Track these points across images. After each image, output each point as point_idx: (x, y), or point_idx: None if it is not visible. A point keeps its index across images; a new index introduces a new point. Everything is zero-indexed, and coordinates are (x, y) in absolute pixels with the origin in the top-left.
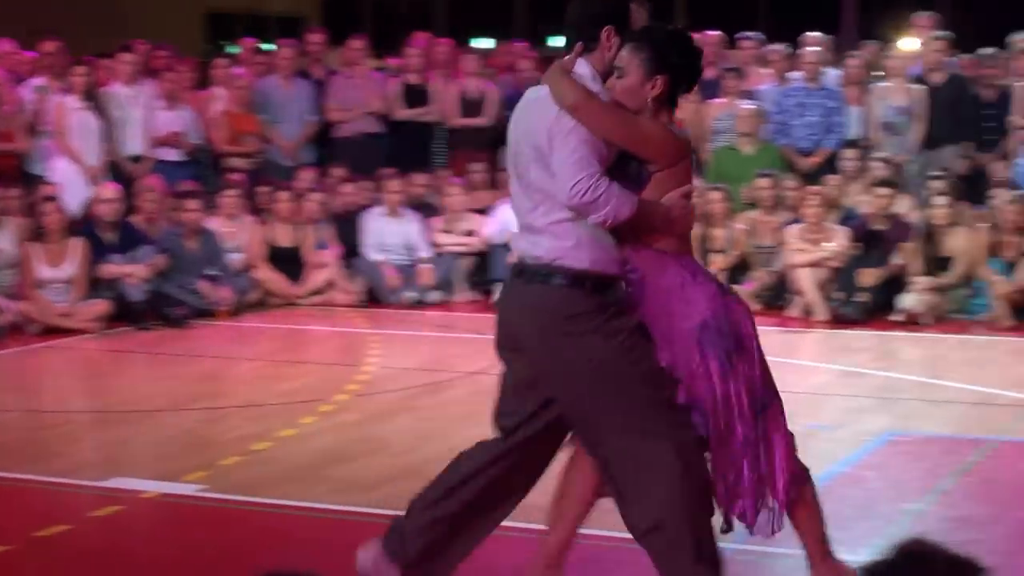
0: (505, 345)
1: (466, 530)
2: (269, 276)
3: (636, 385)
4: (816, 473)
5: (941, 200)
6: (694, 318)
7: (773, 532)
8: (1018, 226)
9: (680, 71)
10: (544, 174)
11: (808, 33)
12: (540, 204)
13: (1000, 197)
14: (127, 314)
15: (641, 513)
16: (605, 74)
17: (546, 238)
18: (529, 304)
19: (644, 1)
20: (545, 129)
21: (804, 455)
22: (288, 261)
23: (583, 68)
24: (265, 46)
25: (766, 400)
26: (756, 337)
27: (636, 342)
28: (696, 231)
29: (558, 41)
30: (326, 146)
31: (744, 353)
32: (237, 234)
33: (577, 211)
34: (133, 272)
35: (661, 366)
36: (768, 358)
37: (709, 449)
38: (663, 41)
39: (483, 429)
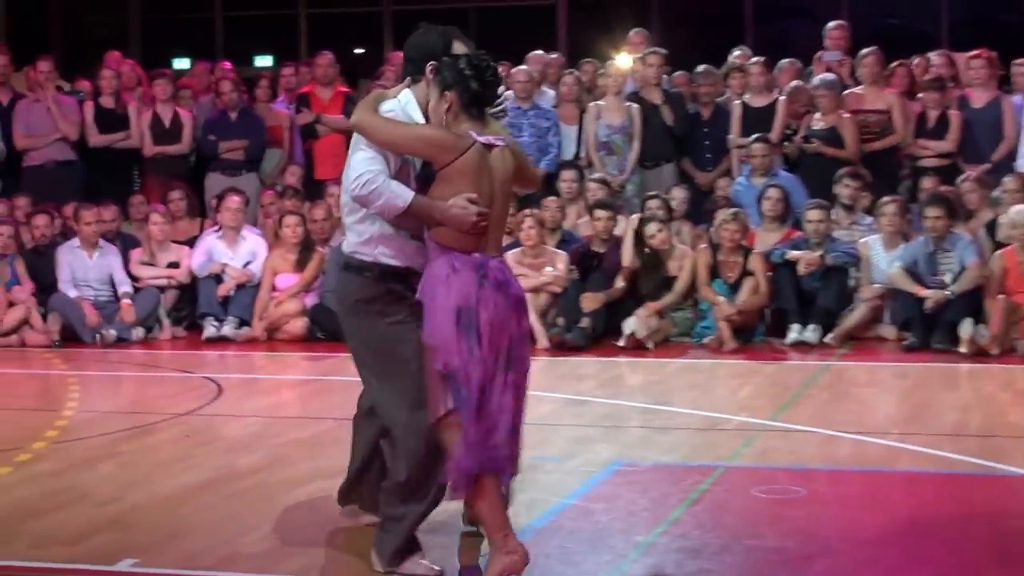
0: None
1: None
2: None
3: (399, 362)
4: (544, 507)
5: (659, 228)
6: (452, 302)
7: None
8: (736, 244)
9: (460, 87)
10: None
11: (535, 52)
12: (346, 207)
13: (719, 216)
14: None
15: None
16: (426, 102)
17: (350, 234)
18: (337, 288)
19: (466, 40)
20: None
21: (531, 488)
22: None
23: (407, 96)
24: None
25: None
26: (501, 332)
27: (409, 324)
28: None
29: (264, 61)
30: (14, 176)
31: (479, 342)
32: None
33: (360, 203)
34: None
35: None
36: None
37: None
38: (445, 65)
39: (193, 474)
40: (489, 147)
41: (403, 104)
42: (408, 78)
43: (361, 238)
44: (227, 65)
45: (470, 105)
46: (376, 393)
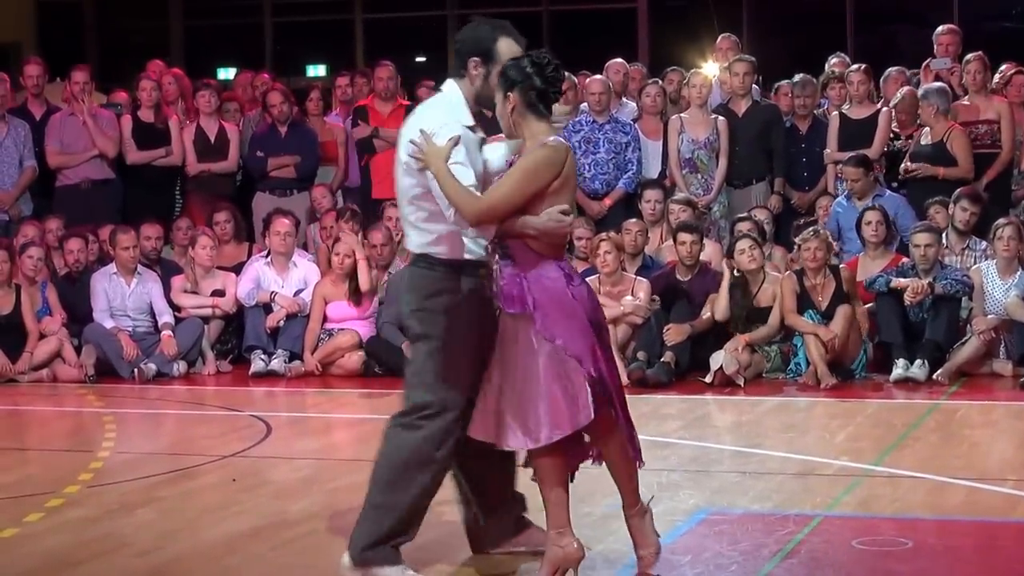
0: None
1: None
2: None
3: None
4: (624, 560)
5: (750, 245)
6: (583, 313)
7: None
8: (821, 264)
9: (524, 86)
10: (414, 181)
11: (614, 60)
12: (410, 206)
13: (799, 236)
14: None
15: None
16: (472, 98)
17: (416, 234)
18: (406, 286)
19: (518, 37)
20: None
21: (609, 539)
22: (5, 331)
23: (454, 92)
24: None
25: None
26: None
27: (463, 321)
28: None
29: (317, 70)
30: (47, 196)
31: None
32: None
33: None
34: None
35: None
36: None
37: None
38: (509, 66)
39: (240, 522)
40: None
41: (451, 101)
42: (456, 73)
43: (431, 236)
44: (265, 77)
45: (536, 103)
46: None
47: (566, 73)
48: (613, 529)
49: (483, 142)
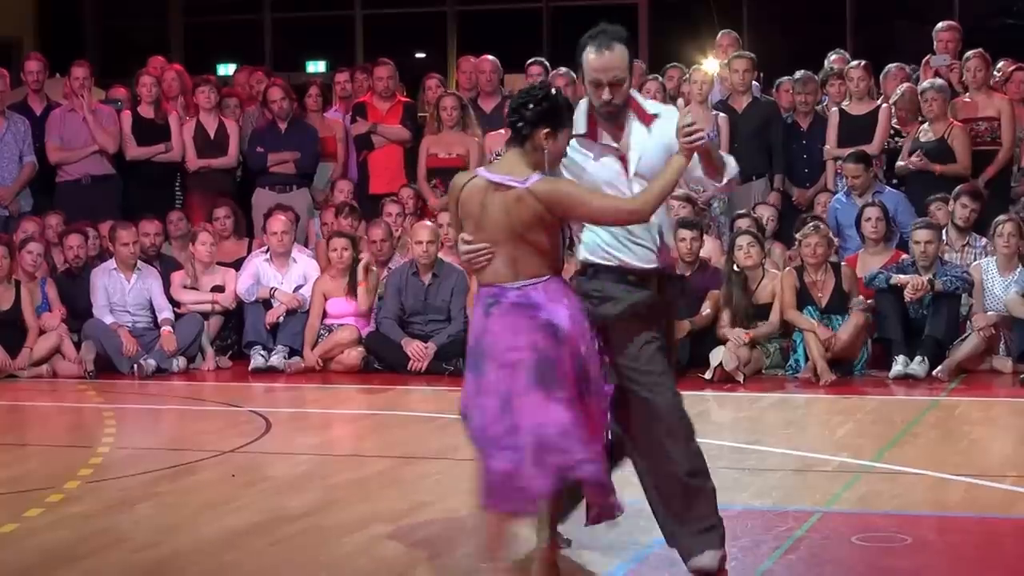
0: None
1: None
2: None
3: None
4: (623, 555)
5: (748, 241)
6: (473, 349)
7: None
8: (821, 261)
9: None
10: None
11: None
12: None
13: (799, 232)
14: None
15: None
16: (588, 106)
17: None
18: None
19: (603, 43)
20: None
21: (609, 533)
22: (5, 327)
23: (583, 100)
24: None
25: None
26: (518, 351)
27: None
28: None
29: (318, 66)
30: (47, 193)
31: (489, 366)
32: None
33: None
34: None
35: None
36: None
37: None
38: None
39: (239, 517)
40: (498, 185)
41: (577, 109)
42: None
43: (584, 245)
44: (260, 74)
45: (515, 137)
46: None
47: (555, 71)
48: (614, 523)
49: (609, 149)
